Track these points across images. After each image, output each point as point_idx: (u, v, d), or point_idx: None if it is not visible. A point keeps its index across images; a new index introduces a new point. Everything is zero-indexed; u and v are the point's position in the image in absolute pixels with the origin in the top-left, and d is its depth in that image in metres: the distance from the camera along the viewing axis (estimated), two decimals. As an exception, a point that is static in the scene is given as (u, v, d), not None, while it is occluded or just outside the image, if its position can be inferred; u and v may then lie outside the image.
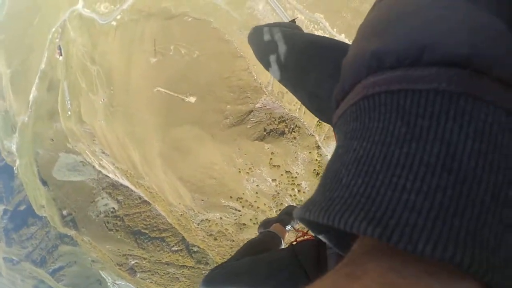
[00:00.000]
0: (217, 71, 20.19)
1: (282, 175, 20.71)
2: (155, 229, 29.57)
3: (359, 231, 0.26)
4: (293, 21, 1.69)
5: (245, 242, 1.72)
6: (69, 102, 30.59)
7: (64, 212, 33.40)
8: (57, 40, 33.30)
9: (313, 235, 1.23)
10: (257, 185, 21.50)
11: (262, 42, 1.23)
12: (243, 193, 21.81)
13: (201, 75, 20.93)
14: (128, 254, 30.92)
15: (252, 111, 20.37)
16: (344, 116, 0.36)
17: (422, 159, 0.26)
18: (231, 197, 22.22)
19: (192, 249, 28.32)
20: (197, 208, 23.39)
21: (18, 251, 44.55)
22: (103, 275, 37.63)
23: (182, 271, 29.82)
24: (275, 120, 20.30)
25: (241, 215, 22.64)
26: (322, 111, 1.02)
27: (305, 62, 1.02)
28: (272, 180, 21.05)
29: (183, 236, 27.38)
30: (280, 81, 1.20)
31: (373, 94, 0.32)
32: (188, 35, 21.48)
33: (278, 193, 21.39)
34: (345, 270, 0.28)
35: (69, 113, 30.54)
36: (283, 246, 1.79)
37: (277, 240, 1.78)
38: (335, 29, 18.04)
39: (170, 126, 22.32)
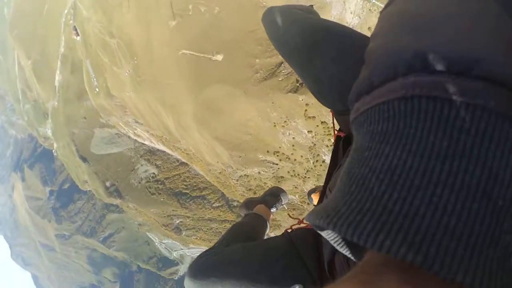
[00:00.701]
0: (241, 25, 19.46)
1: (317, 126, 20.71)
2: (195, 188, 30.72)
3: (397, 256, 0.24)
4: (311, 6, 1.65)
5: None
6: (95, 79, 30.75)
7: (107, 184, 35.00)
8: (71, 22, 33.07)
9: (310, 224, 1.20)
10: (293, 138, 21.53)
11: (275, 23, 1.18)
12: (280, 147, 21.97)
13: (225, 31, 20.27)
14: (172, 215, 32.58)
15: (282, 62, 19.84)
16: (369, 113, 0.33)
17: (464, 180, 0.25)
18: (267, 151, 22.44)
19: (231, 204, 29.52)
20: (235, 165, 23.84)
21: (68, 226, 47.79)
22: (150, 237, 40.06)
23: (224, 225, 31.17)
24: (306, 69, 19.61)
25: (278, 168, 22.95)
26: (324, 95, 1.00)
27: (312, 47, 1.00)
28: (308, 131, 21.07)
29: (222, 193, 28.45)
30: (289, 63, 1.17)
31: (413, 96, 0.29)
32: (205, -8, 20.44)
33: (315, 144, 21.46)
34: (361, 277, 0.27)
35: (97, 89, 30.83)
36: (268, 228, 1.72)
37: (263, 222, 1.70)
38: None
39: (201, 87, 22.20)
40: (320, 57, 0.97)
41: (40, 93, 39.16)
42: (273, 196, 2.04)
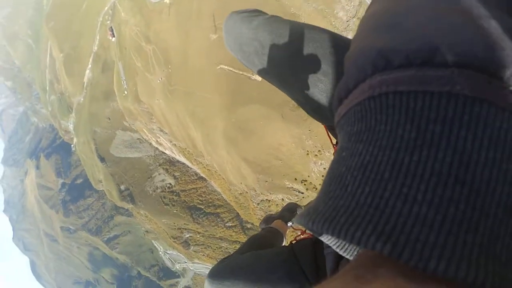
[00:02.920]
0: (287, 47, 17.78)
1: None
2: (210, 205, 29.15)
3: (367, 246, 0.24)
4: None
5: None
6: (125, 82, 29.52)
7: (122, 187, 33.36)
8: (108, 22, 32.35)
9: (311, 234, 1.10)
10: (324, 168, 19.79)
11: (241, 30, 1.00)
12: (308, 176, 20.14)
13: (269, 51, 18.63)
14: (183, 228, 30.83)
15: (322, 89, 18.01)
16: (348, 115, 0.33)
17: (433, 169, 0.24)
18: (295, 179, 20.60)
19: (245, 226, 27.84)
20: (260, 189, 21.95)
21: (75, 221, 46.31)
22: (155, 245, 38.03)
23: (235, 247, 29.77)
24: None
25: (303, 197, 21.04)
26: (316, 110, 0.91)
27: (297, 58, 0.86)
28: None
29: (237, 213, 26.82)
30: (264, 77, 1.02)
31: (380, 94, 0.29)
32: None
33: None
34: (355, 272, 0.26)
35: (126, 92, 29.55)
36: (284, 242, 1.71)
37: (279, 236, 1.69)
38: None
39: (236, 105, 20.55)
40: (307, 70, 0.84)
41: (68, 87, 38.27)
42: (290, 211, 2.03)
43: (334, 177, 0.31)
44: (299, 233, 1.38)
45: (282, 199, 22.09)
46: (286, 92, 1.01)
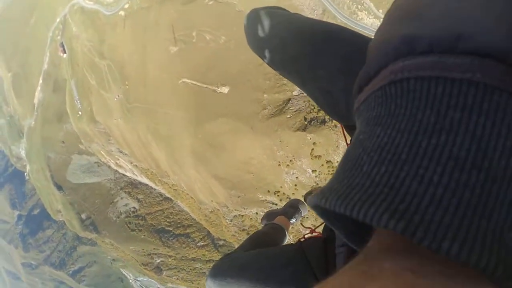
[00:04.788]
0: (249, 58, 16.71)
1: (322, 165, 18.35)
2: (179, 225, 26.91)
3: (379, 224, 0.23)
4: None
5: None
6: (78, 101, 26.59)
7: (83, 216, 29.84)
8: (59, 37, 29.14)
9: (321, 233, 1.19)
10: (297, 177, 18.70)
11: (262, 27, 0.99)
12: (281, 186, 19.01)
13: (232, 62, 17.38)
14: (153, 253, 28.12)
15: (290, 99, 17.21)
16: (368, 101, 0.33)
17: (451, 153, 0.24)
18: (268, 191, 19.32)
19: (217, 243, 25.94)
20: (232, 205, 20.29)
21: (36, 255, 41.34)
22: (124, 273, 34.30)
23: (209, 266, 27.48)
24: (314, 107, 17.28)
25: (277, 208, 19.48)
26: (332, 107, 0.90)
27: (315, 55, 0.84)
28: (313, 171, 18.51)
29: (208, 231, 24.98)
30: (283, 74, 1.01)
31: (402, 80, 0.28)
32: (210, 20, 17.74)
33: (317, 184, 18.87)
34: (361, 267, 0.26)
35: (80, 113, 26.60)
36: (287, 238, 1.67)
37: (282, 232, 1.66)
38: (380, 10, 15.27)
39: (202, 121, 18.87)
40: (327, 68, 0.83)
41: (17, 109, 34.22)
42: (293, 207, 2.00)
43: (350, 158, 0.31)
44: (308, 232, 1.32)
45: (256, 213, 20.57)
46: (304, 89, 0.98)
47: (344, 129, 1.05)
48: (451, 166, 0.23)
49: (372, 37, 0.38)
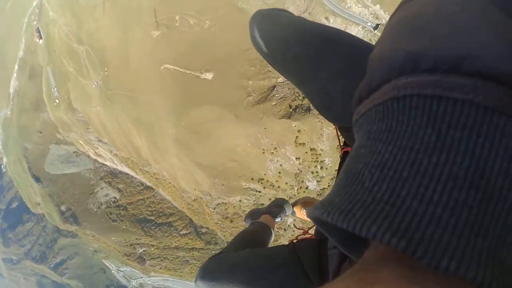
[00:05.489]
0: (235, 43, 16.26)
1: (306, 152, 18.40)
2: (161, 214, 26.48)
3: (382, 241, 0.24)
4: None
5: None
6: (55, 89, 25.33)
7: (63, 208, 28.77)
8: (35, 22, 27.55)
9: (314, 234, 1.18)
10: (281, 165, 18.67)
11: (266, 28, 1.01)
12: (265, 174, 18.94)
13: (217, 48, 16.86)
14: (135, 243, 27.71)
15: (275, 86, 16.93)
16: (368, 114, 0.33)
17: (451, 172, 0.24)
18: (252, 178, 19.18)
19: (200, 231, 25.71)
20: (216, 193, 19.98)
21: (16, 250, 39.92)
22: (106, 264, 33.51)
23: (192, 254, 27.14)
24: (299, 95, 17.07)
25: (261, 195, 19.80)
26: (329, 108, 0.91)
27: (317, 56, 0.87)
28: (296, 158, 18.61)
29: (190, 219, 24.75)
30: (284, 74, 1.02)
31: (404, 96, 0.28)
32: (195, 3, 17.14)
33: (301, 171, 18.88)
34: (358, 275, 0.26)
35: (57, 101, 25.39)
36: (273, 237, 1.67)
37: (269, 231, 1.66)
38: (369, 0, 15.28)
39: (186, 108, 18.31)
40: (326, 69, 0.84)
41: (-8, 99, 31.88)
42: (278, 206, 1.99)
43: (351, 172, 0.31)
44: (301, 233, 1.30)
45: (240, 200, 20.44)
46: (302, 90, 0.99)
47: (338, 130, 1.05)
48: (451, 185, 0.24)
49: (370, 38, 0.42)
